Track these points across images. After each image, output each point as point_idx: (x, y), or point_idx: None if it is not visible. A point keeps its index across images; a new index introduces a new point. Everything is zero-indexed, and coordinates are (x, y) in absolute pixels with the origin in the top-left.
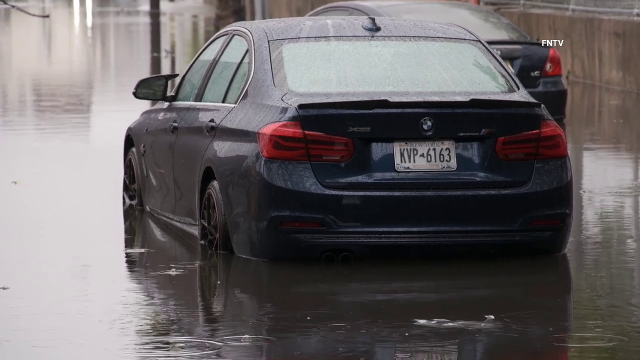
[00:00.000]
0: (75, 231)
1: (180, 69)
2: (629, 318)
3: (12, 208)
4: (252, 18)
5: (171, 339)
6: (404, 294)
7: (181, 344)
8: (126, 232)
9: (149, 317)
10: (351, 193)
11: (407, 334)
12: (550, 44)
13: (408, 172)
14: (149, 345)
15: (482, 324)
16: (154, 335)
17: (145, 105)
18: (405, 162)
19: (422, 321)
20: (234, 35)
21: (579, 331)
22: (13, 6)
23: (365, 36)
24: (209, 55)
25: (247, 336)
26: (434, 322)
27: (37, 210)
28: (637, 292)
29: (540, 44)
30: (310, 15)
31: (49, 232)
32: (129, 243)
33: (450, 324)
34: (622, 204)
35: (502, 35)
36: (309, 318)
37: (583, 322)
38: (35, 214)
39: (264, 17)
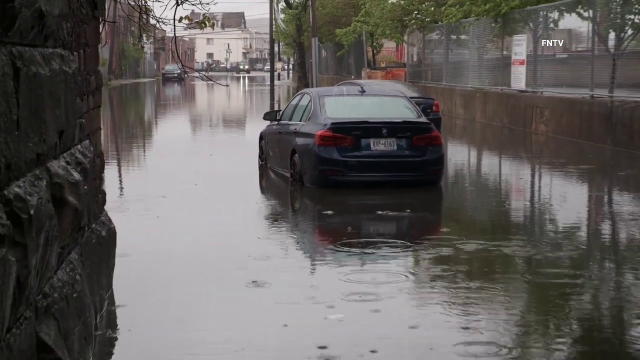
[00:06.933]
0: (238, 178)
1: (282, 108)
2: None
3: (208, 167)
4: (312, 86)
5: (274, 221)
6: (373, 201)
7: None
8: (260, 176)
9: (267, 213)
10: (353, 159)
11: (371, 217)
12: (434, 98)
13: (376, 151)
14: (269, 224)
15: (405, 213)
16: (264, 219)
17: (267, 123)
18: (375, 146)
19: (380, 212)
20: (304, 94)
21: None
22: (214, 82)
23: (358, 94)
24: (293, 102)
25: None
26: (384, 212)
27: (218, 168)
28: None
29: (430, 97)
30: (337, 85)
31: (226, 182)
32: (261, 180)
33: (391, 213)
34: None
35: (415, 93)
36: (330, 211)
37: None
38: (217, 171)
39: (317, 86)
